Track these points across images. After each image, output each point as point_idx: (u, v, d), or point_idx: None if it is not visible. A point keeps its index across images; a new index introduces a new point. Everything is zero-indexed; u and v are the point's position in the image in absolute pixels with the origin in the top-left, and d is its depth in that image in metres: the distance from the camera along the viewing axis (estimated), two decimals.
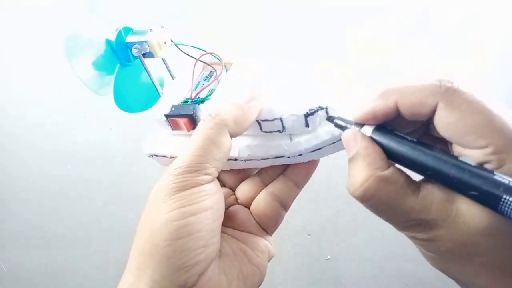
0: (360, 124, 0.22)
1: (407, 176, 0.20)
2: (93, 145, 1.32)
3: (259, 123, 0.28)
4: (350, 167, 0.21)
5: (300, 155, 0.28)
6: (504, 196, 0.17)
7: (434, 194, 0.19)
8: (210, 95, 0.31)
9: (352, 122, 0.23)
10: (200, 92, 0.31)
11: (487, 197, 0.17)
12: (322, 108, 0.26)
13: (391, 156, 0.21)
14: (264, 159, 0.29)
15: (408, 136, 0.21)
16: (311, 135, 0.27)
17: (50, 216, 1.12)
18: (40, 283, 0.99)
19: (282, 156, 0.28)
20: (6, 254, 1.05)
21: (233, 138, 0.26)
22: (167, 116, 0.29)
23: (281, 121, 0.27)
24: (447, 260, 0.20)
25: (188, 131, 0.29)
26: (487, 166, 0.18)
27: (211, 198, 0.24)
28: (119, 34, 0.31)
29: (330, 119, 0.25)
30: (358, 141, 0.21)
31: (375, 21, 1.69)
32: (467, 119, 0.18)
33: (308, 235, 1.02)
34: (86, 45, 0.31)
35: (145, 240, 0.23)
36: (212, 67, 0.33)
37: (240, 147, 0.29)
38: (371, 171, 0.20)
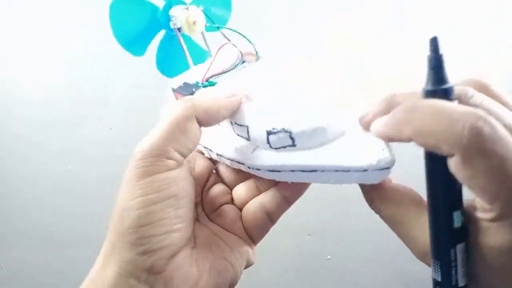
0: None
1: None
2: (93, 145, 1.31)
3: (232, 124, 0.28)
4: None
5: (258, 169, 0.27)
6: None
7: None
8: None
9: None
10: (211, 77, 0.32)
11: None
12: (285, 131, 0.25)
13: None
14: (231, 160, 0.29)
15: None
16: (271, 154, 0.26)
17: (50, 216, 1.12)
18: (40, 283, 0.99)
19: (243, 164, 0.28)
20: (6, 254, 1.05)
21: (219, 135, 0.26)
22: (173, 90, 0.31)
23: (247, 129, 0.27)
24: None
25: None
26: None
27: (176, 185, 0.24)
28: (166, 5, 0.34)
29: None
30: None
31: (352, 15, 1.68)
32: (480, 181, 0.17)
33: (308, 235, 1.02)
34: (132, 8, 0.33)
35: (112, 227, 0.23)
36: (243, 57, 0.33)
37: (222, 144, 0.29)
38: None
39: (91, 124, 1.40)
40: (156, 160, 0.23)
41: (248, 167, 0.28)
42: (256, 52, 0.33)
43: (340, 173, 0.24)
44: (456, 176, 0.17)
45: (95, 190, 1.17)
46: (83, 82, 1.55)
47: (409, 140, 0.19)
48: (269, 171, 0.27)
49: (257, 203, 0.29)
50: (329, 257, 0.97)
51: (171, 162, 0.24)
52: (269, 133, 0.26)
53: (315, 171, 0.25)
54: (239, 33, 0.32)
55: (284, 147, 0.26)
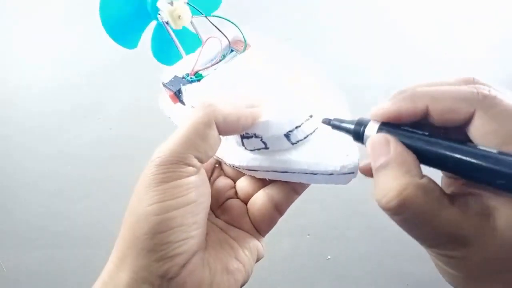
0: (361, 124, 0.21)
1: (440, 187, 0.19)
2: (93, 145, 1.31)
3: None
4: (380, 176, 0.19)
5: (237, 167, 0.29)
6: None
7: (469, 206, 0.18)
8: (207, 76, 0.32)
9: (352, 121, 0.22)
10: (200, 70, 0.32)
11: None
12: (256, 136, 0.27)
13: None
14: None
15: (418, 131, 0.20)
16: (248, 154, 0.28)
17: (50, 216, 1.12)
18: (40, 283, 0.99)
19: (223, 161, 0.30)
20: (6, 254, 1.05)
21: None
22: (163, 84, 0.32)
23: None
24: (472, 278, 0.19)
25: (174, 103, 0.32)
26: None
27: (195, 191, 0.23)
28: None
29: (326, 121, 0.25)
30: (392, 147, 0.19)
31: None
32: (507, 128, 0.17)
33: (308, 235, 1.02)
34: (121, 1, 0.33)
35: (126, 231, 0.23)
36: (231, 46, 0.33)
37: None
38: (409, 179, 0.18)
39: (91, 124, 1.40)
40: (176, 166, 0.23)
41: (229, 164, 0.29)
42: (245, 39, 0.32)
43: (309, 175, 0.26)
44: (484, 137, 0.18)
45: (95, 190, 1.17)
46: (83, 82, 1.55)
47: (422, 110, 0.19)
48: (247, 169, 0.29)
49: (264, 195, 0.28)
50: (329, 257, 0.97)
51: (190, 168, 0.23)
52: (242, 137, 0.27)
53: (286, 172, 0.27)
54: (227, 19, 0.31)
55: (259, 149, 0.27)
